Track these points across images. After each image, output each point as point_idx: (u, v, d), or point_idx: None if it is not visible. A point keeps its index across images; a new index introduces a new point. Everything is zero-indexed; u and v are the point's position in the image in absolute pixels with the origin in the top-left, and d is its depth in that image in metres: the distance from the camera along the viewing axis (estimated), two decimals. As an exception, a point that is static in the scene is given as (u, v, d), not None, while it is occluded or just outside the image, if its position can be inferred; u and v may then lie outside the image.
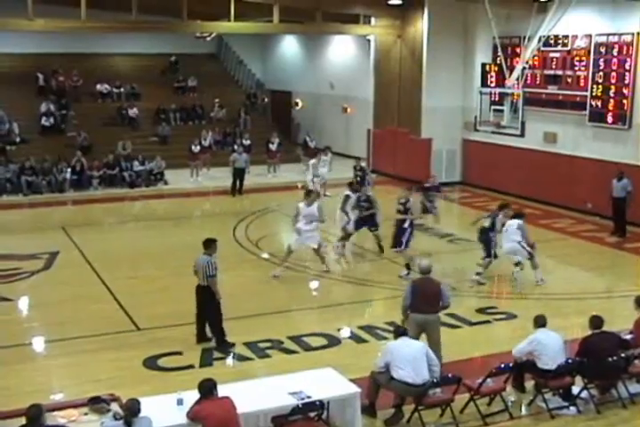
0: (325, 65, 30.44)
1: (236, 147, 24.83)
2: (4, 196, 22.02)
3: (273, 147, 25.45)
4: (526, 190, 20.71)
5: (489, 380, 8.61)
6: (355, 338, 11.16)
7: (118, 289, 13.19)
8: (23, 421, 6.54)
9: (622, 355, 8.94)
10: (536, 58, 19.88)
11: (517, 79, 18.88)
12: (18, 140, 25.36)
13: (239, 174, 22.33)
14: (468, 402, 8.58)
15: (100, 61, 30.69)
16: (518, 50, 19.96)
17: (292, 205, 15.25)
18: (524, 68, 19.05)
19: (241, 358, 10.34)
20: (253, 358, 10.36)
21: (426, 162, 23.17)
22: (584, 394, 8.96)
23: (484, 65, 21.49)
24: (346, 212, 15.73)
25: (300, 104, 31.88)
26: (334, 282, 14.01)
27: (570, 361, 8.87)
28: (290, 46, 32.93)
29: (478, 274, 13.79)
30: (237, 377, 8.59)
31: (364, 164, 19.89)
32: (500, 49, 19.61)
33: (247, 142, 26.07)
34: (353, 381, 8.30)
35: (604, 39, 18.42)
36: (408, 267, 13.88)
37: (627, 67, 17.90)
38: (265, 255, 15.48)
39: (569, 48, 19.35)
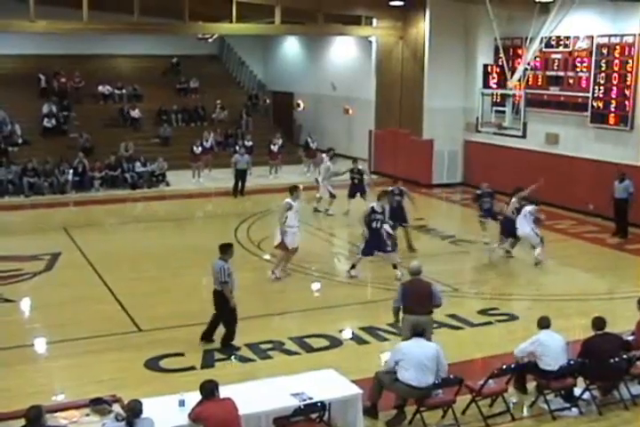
0: (327, 66, 30.46)
1: (237, 148, 24.84)
2: (5, 197, 22.04)
3: (275, 148, 25.46)
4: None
5: (491, 381, 8.60)
6: (356, 339, 11.15)
7: (120, 290, 13.20)
8: (24, 422, 6.55)
9: (624, 356, 8.93)
10: (538, 59, 19.88)
11: (519, 80, 18.90)
12: (20, 141, 25.40)
13: (241, 175, 22.35)
14: (470, 403, 8.57)
15: (101, 63, 30.72)
16: (520, 51, 20.01)
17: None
18: (525, 70, 19.09)
19: (243, 360, 10.34)
20: (255, 359, 10.37)
21: (427, 163, 23.19)
22: (586, 395, 8.95)
23: (485, 66, 21.53)
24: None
25: (302, 105, 31.90)
26: (336, 283, 14.01)
27: (572, 362, 8.86)
28: (291, 47, 32.96)
29: (508, 252, 15.33)
30: (239, 378, 8.59)
31: (361, 166, 19.81)
32: (501, 50, 19.66)
33: (249, 144, 26.11)
34: (354, 382, 8.29)
35: (605, 40, 18.42)
36: (394, 267, 13.88)
37: (628, 68, 17.89)
38: (266, 256, 15.48)
39: (570, 49, 19.35)
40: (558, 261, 15.60)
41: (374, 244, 13.77)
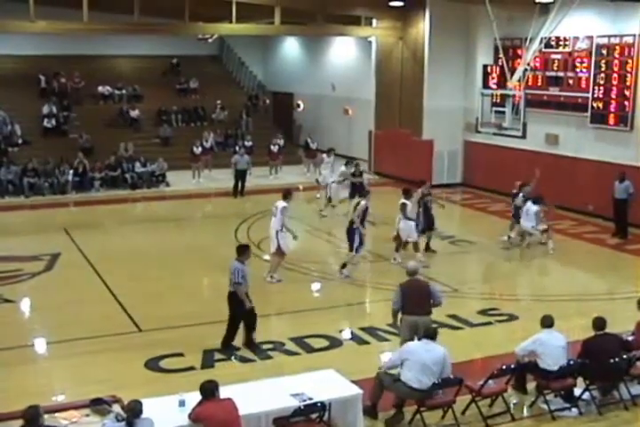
0: (327, 66, 30.47)
1: (237, 148, 24.84)
2: (6, 197, 22.02)
3: (274, 148, 25.47)
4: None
5: (490, 381, 8.60)
6: (356, 340, 11.15)
7: (120, 290, 13.19)
8: (22, 422, 6.55)
9: (624, 356, 8.93)
10: (537, 59, 19.89)
11: (519, 81, 18.91)
12: (20, 141, 25.40)
13: (241, 176, 22.35)
14: (470, 404, 8.57)
15: (101, 63, 30.70)
16: (520, 51, 20.01)
17: (294, 206, 15.26)
18: (525, 70, 19.09)
19: (243, 360, 10.34)
20: (255, 359, 10.36)
21: (427, 163, 23.18)
22: (586, 396, 8.95)
23: (485, 66, 21.52)
24: (409, 218, 14.94)
25: (302, 106, 31.90)
26: (336, 283, 14.00)
27: (572, 363, 8.87)
28: (291, 48, 32.97)
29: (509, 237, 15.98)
30: (239, 379, 8.58)
31: (362, 168, 19.83)
32: (501, 50, 19.66)
33: (249, 144, 26.13)
34: (354, 382, 8.28)
35: (605, 41, 18.42)
36: (344, 266, 14.04)
37: (628, 68, 17.89)
38: (266, 257, 15.44)
39: (570, 50, 19.35)
40: (558, 261, 15.60)
41: (364, 241, 14.07)
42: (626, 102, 18.04)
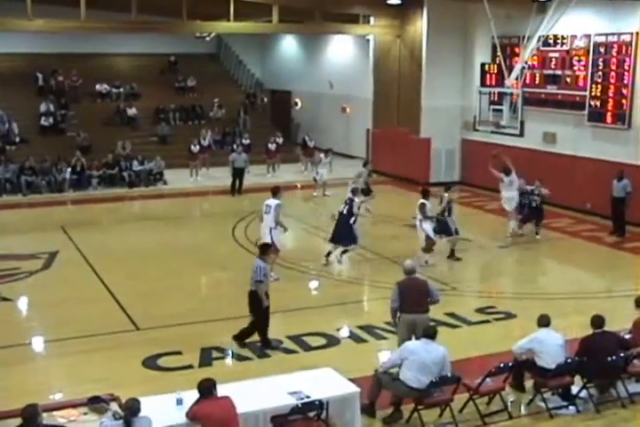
0: (325, 65, 30.46)
1: (235, 146, 24.84)
2: (3, 196, 22.02)
3: (272, 146, 25.46)
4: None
5: (488, 379, 8.61)
6: (354, 338, 11.16)
7: (117, 289, 13.19)
8: (20, 421, 6.55)
9: (622, 354, 8.95)
10: (535, 58, 19.89)
11: (516, 79, 18.92)
12: (17, 140, 25.40)
13: (239, 174, 22.35)
14: (468, 402, 8.58)
15: (99, 61, 30.69)
16: (517, 50, 19.99)
17: (291, 204, 15.27)
18: (523, 68, 19.09)
19: (240, 358, 10.35)
20: (253, 357, 10.37)
21: (425, 161, 23.20)
22: (583, 394, 8.97)
23: (483, 65, 21.54)
24: (429, 217, 14.69)
25: (300, 104, 31.89)
26: (334, 282, 14.01)
27: (569, 361, 8.88)
28: (289, 46, 32.94)
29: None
30: (237, 377, 8.58)
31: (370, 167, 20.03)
32: (499, 49, 19.66)
33: (246, 142, 26.12)
34: (352, 380, 8.28)
35: (603, 39, 18.42)
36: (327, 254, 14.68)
37: (626, 66, 17.90)
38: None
39: (568, 48, 19.36)
40: (556, 259, 15.62)
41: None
42: (623, 101, 18.04)
